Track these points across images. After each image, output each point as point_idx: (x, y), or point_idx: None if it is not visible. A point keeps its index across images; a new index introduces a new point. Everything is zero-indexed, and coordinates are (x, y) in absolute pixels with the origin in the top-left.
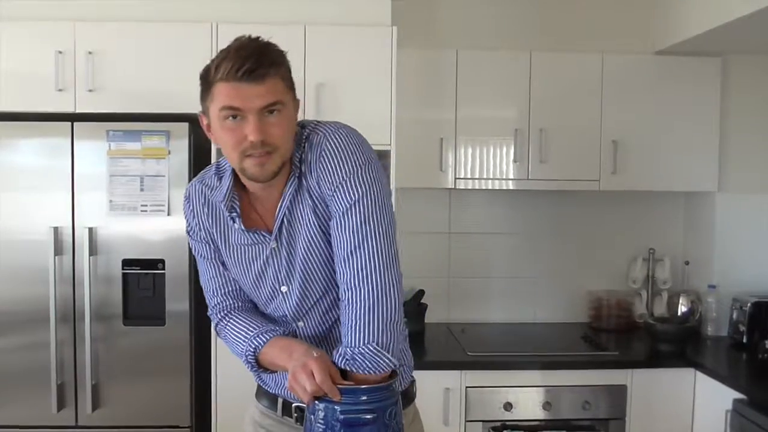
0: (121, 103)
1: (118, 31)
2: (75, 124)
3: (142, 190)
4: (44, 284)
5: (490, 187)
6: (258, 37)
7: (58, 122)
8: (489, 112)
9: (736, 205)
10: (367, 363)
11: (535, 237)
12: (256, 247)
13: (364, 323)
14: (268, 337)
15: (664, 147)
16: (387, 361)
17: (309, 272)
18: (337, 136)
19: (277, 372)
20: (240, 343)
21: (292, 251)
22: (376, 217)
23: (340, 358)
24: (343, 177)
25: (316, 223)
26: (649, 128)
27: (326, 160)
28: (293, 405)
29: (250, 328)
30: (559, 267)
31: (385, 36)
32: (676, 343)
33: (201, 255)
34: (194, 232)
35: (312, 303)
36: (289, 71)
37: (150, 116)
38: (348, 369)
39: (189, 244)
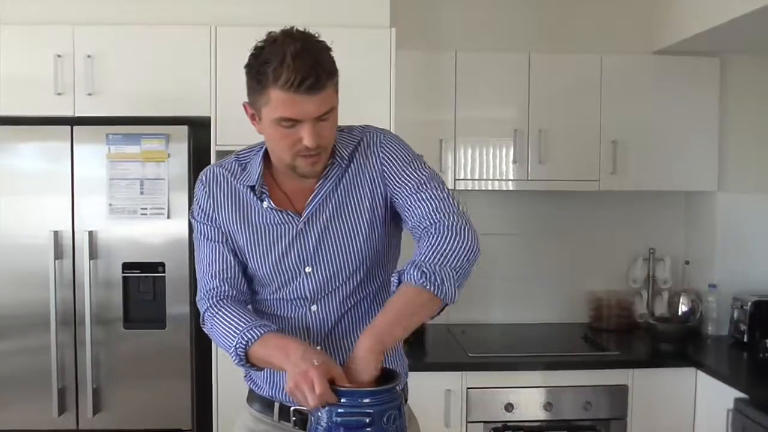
0: (121, 106)
1: (116, 34)
2: (74, 127)
3: (141, 193)
4: (44, 288)
5: (489, 188)
6: (305, 32)
7: (57, 126)
8: (488, 113)
9: (736, 205)
10: (447, 286)
11: (535, 237)
12: (282, 227)
13: (450, 253)
14: (261, 332)
15: (664, 147)
16: (455, 291)
17: (346, 252)
18: (390, 133)
19: (264, 370)
20: (230, 334)
21: (324, 232)
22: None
23: (417, 270)
24: (411, 158)
25: (361, 206)
26: (649, 128)
27: (390, 149)
28: (291, 408)
29: (242, 321)
30: (559, 267)
31: (383, 37)
32: (676, 343)
33: (206, 237)
34: (205, 214)
35: (336, 285)
36: (337, 72)
37: (149, 119)
38: (418, 281)
39: (193, 227)
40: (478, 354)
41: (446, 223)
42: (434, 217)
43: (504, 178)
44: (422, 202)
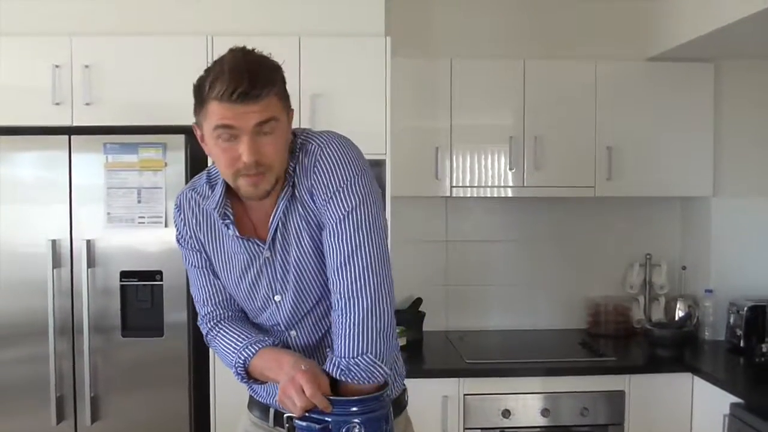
0: (118, 115)
1: (114, 44)
2: (72, 137)
3: (139, 202)
4: (43, 297)
5: (486, 195)
6: (252, 50)
7: (55, 135)
8: (484, 120)
9: (732, 210)
10: (362, 373)
11: (532, 244)
12: (249, 256)
13: (359, 333)
14: (257, 348)
15: (659, 152)
16: (381, 371)
17: (302, 281)
18: (331, 146)
19: (267, 383)
20: (230, 354)
21: (286, 260)
22: (370, 226)
23: (335, 368)
24: (337, 187)
25: (308, 233)
26: (644, 134)
27: (321, 170)
28: (285, 415)
29: (240, 339)
30: (556, 273)
31: (379, 46)
32: (673, 348)
33: (191, 264)
34: (185, 240)
35: (305, 312)
36: (284, 85)
37: (146, 128)
38: (342, 379)
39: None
40: (476, 360)
41: (348, 286)
42: (338, 274)
43: (500, 184)
44: (332, 251)
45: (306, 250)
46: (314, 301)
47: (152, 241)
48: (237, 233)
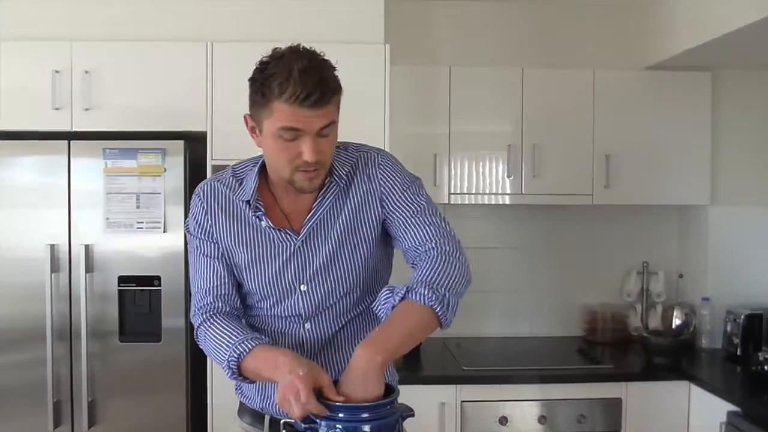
0: (117, 121)
1: (114, 50)
2: (72, 142)
3: (138, 207)
4: (41, 301)
5: (484, 202)
6: (315, 54)
7: (55, 141)
8: (482, 127)
9: (729, 218)
10: (450, 312)
11: (529, 251)
12: (279, 244)
13: (454, 279)
14: (252, 345)
15: (657, 161)
16: (450, 317)
17: (337, 273)
18: (390, 156)
19: (257, 382)
20: (223, 348)
21: (321, 251)
22: (443, 217)
23: (428, 290)
24: (409, 185)
25: (355, 229)
26: (641, 142)
27: (387, 172)
28: (282, 421)
29: (235, 334)
30: (553, 281)
31: (378, 53)
32: (670, 356)
33: (203, 253)
34: (202, 228)
35: (330, 303)
36: (341, 90)
37: (146, 134)
38: (430, 305)
39: (188, 241)
40: (473, 367)
41: (448, 249)
42: (435, 242)
43: (498, 192)
44: (422, 226)
45: (355, 244)
46: (344, 292)
47: (151, 246)
48: (270, 224)
